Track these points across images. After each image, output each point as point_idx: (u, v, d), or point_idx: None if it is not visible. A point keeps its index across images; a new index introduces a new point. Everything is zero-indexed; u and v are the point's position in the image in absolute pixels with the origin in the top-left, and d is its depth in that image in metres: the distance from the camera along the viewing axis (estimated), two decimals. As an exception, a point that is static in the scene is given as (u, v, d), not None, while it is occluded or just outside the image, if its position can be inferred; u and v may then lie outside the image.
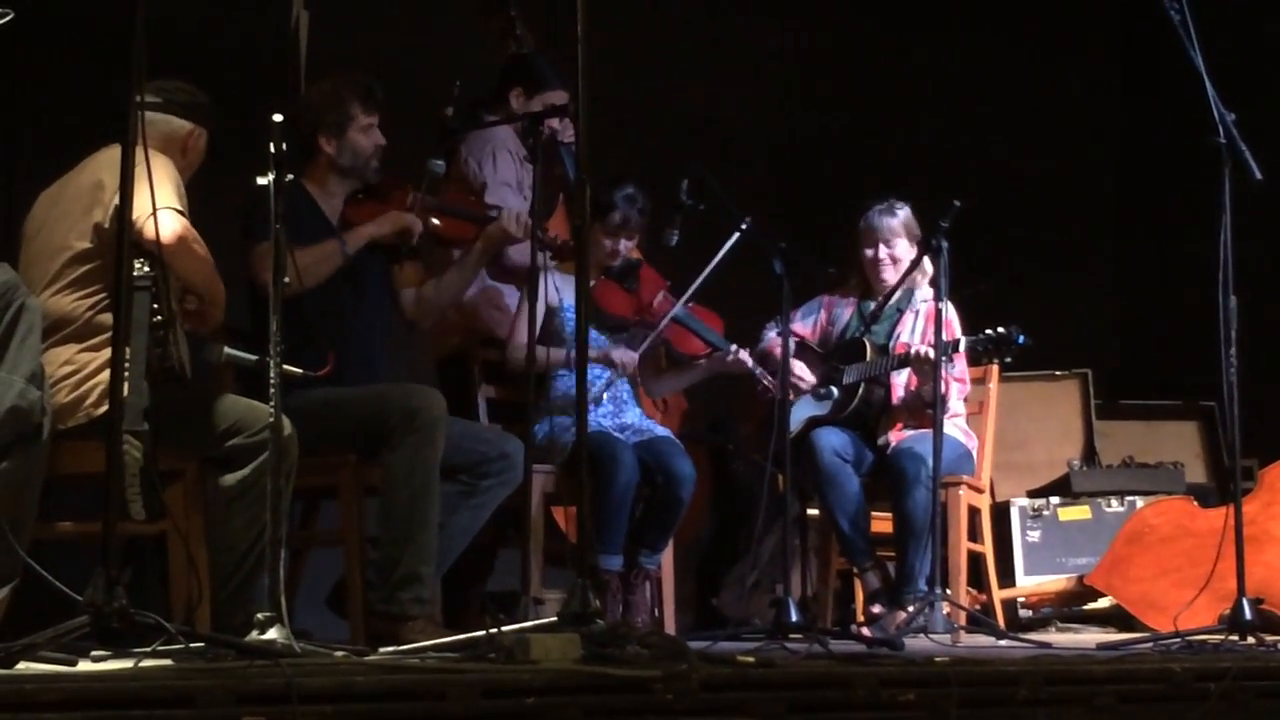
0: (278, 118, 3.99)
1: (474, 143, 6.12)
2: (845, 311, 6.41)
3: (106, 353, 4.27)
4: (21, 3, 4.27)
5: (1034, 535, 7.29)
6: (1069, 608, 7.04)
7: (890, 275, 6.27)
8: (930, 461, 5.70)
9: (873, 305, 6.29)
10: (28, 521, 4.34)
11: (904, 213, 6.28)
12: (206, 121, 4.99)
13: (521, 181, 6.15)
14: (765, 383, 6.11)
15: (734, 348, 6.15)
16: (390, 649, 4.14)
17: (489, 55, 6.46)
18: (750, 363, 6.14)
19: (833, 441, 6.08)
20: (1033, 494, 7.47)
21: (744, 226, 5.83)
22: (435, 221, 5.60)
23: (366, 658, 3.85)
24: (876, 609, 6.01)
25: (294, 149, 5.26)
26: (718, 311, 6.32)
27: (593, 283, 6.03)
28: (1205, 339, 5.18)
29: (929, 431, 5.76)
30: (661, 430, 6.10)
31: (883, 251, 6.28)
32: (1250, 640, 4.85)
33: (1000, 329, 5.94)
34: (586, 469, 4.22)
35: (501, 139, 6.18)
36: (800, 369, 6.25)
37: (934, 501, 5.67)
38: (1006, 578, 7.05)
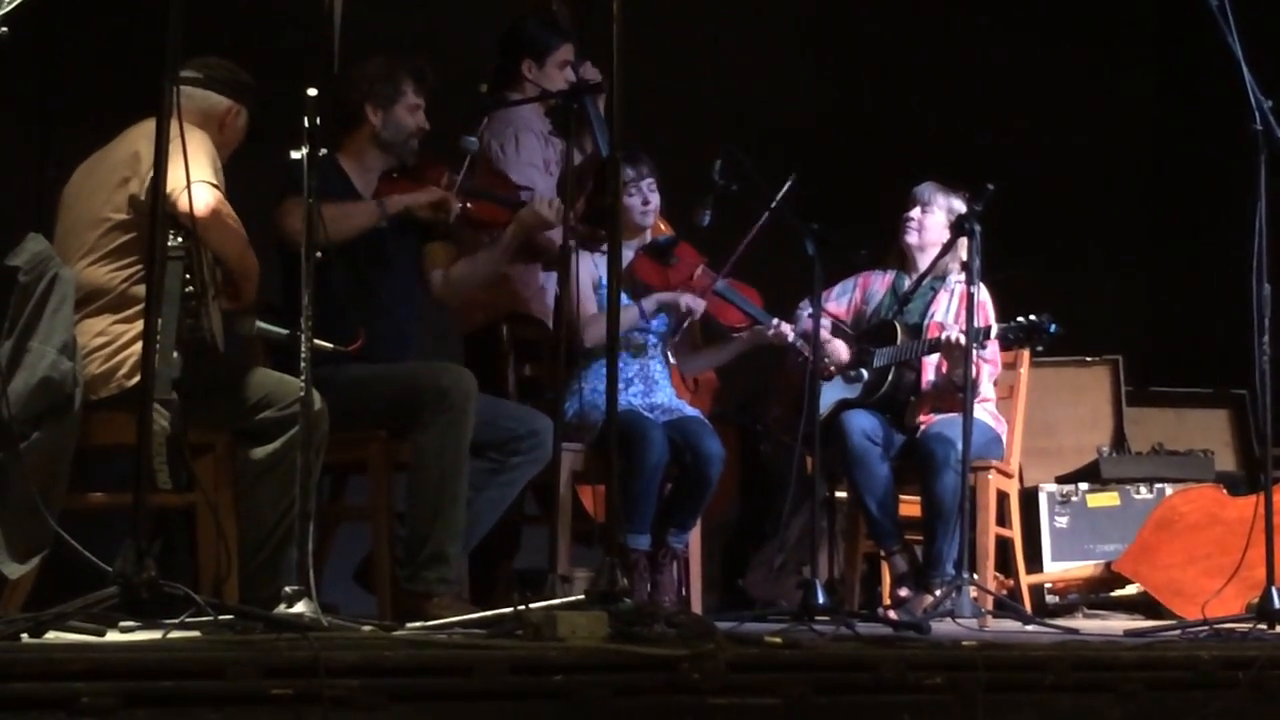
0: (312, 92, 3.99)
1: (495, 126, 6.10)
2: (880, 289, 6.40)
3: (140, 324, 4.28)
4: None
5: (1062, 521, 7.27)
6: (1096, 594, 7.02)
7: (913, 238, 6.30)
8: (959, 445, 5.70)
9: (908, 281, 6.29)
10: (59, 492, 4.36)
11: (957, 198, 6.25)
12: (247, 100, 5.00)
13: (549, 160, 6.15)
14: (805, 355, 6.07)
15: (775, 321, 6.14)
16: (418, 624, 4.14)
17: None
18: (791, 335, 6.13)
19: (862, 424, 6.07)
20: (1061, 480, 7.46)
21: (790, 184, 5.82)
22: (468, 204, 5.60)
23: (394, 633, 3.86)
24: (904, 592, 6.01)
25: (336, 118, 5.31)
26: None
27: (632, 257, 6.04)
28: (1237, 326, 5.16)
29: (959, 415, 5.75)
30: (691, 410, 6.10)
31: (915, 212, 6.29)
32: (1279, 629, 4.83)
33: (1032, 317, 5.93)
34: (616, 448, 4.22)
35: (525, 119, 6.16)
36: (836, 345, 6.24)
37: (963, 486, 5.67)
38: (1034, 563, 7.04)
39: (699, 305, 6.05)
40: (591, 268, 5.90)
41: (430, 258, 5.62)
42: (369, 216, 5.32)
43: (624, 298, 5.96)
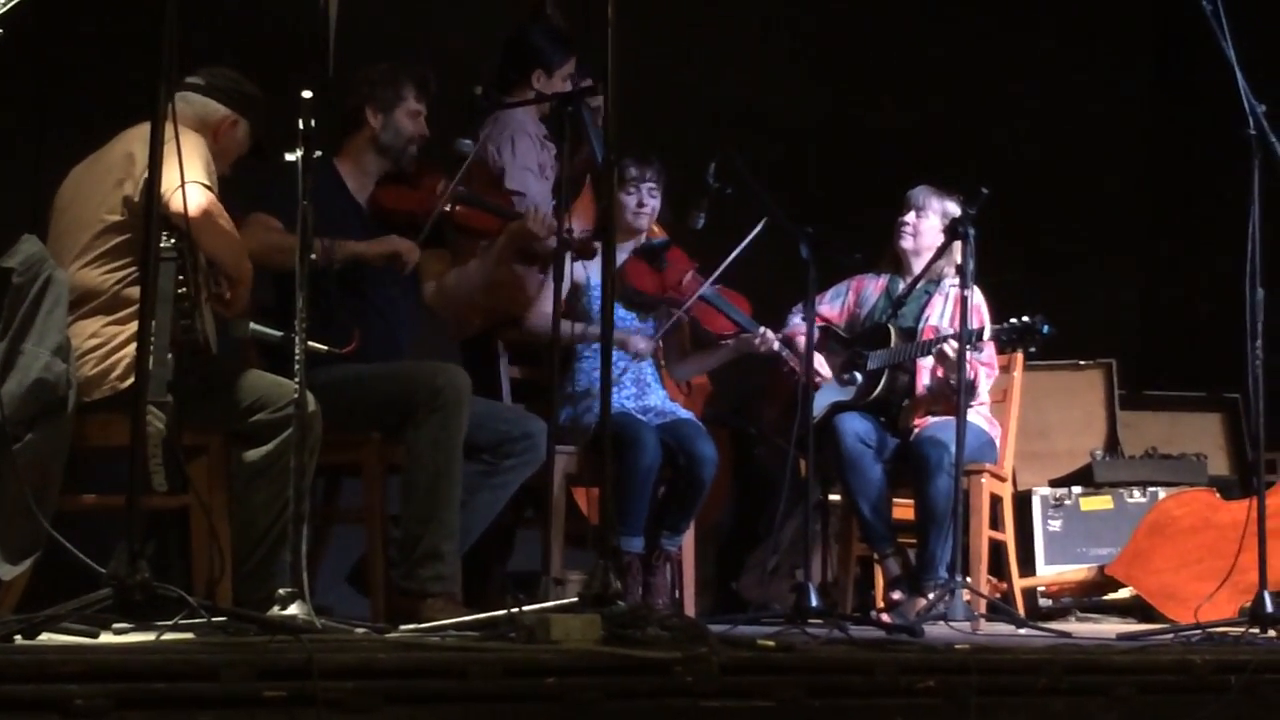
0: (307, 94, 3.99)
1: (492, 129, 6.11)
2: (873, 293, 6.41)
3: (133, 326, 4.29)
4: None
5: (1055, 524, 7.28)
6: (1089, 597, 7.03)
7: (908, 243, 6.32)
8: (953, 449, 5.70)
9: (901, 285, 6.30)
10: (52, 493, 4.36)
11: (951, 201, 6.27)
12: (249, 113, 4.99)
13: (544, 164, 6.15)
14: (792, 364, 6.10)
15: (762, 330, 6.15)
16: (411, 626, 4.14)
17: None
18: (777, 345, 6.14)
19: (856, 427, 6.08)
20: (1055, 483, 7.47)
21: (763, 222, 5.87)
22: (460, 210, 5.59)
23: (387, 635, 3.85)
24: (897, 595, 6.02)
25: (336, 122, 5.30)
26: (744, 295, 6.31)
27: (621, 260, 6.04)
28: (1231, 331, 5.16)
29: (952, 418, 5.76)
30: (684, 412, 6.10)
31: (910, 216, 6.31)
32: (1271, 633, 4.83)
33: (1025, 318, 5.93)
34: (609, 450, 4.22)
35: (520, 122, 6.17)
36: (818, 362, 6.23)
37: (956, 489, 5.68)
38: (1027, 566, 7.05)
39: (648, 347, 6.04)
40: (581, 269, 5.90)
41: (423, 267, 5.62)
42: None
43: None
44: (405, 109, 5.47)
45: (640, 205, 6.11)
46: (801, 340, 5.89)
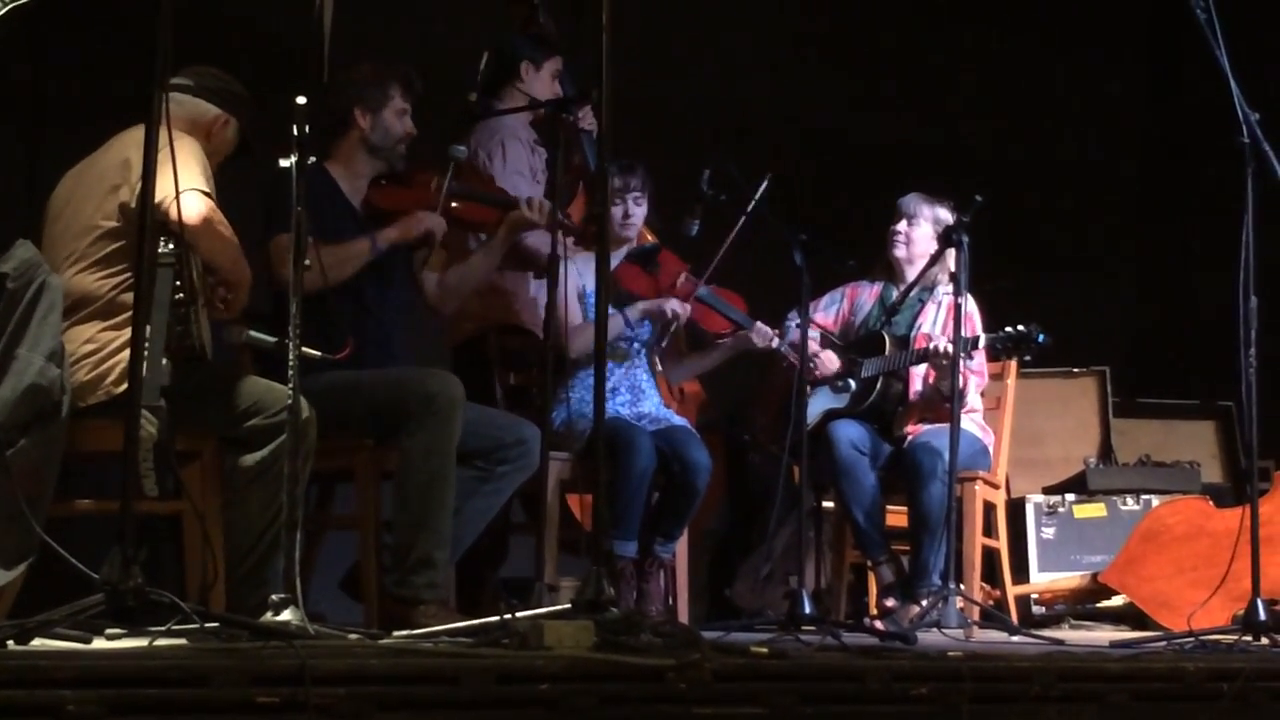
0: (301, 100, 3.99)
1: (482, 134, 6.12)
2: (868, 300, 6.41)
3: (128, 332, 4.28)
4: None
5: (1049, 532, 7.28)
6: (1082, 605, 7.04)
7: (900, 251, 6.32)
8: (946, 456, 5.71)
9: (895, 292, 6.30)
10: (46, 499, 4.35)
11: (942, 208, 6.28)
12: (237, 111, 5.00)
13: (534, 168, 6.16)
14: (791, 359, 6.08)
15: (758, 325, 6.16)
16: (404, 633, 4.14)
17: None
18: (775, 341, 6.14)
19: (850, 434, 6.08)
20: (1048, 491, 7.47)
21: (766, 184, 5.86)
22: (456, 206, 5.60)
23: (380, 641, 3.86)
24: (890, 602, 6.01)
25: (325, 125, 5.31)
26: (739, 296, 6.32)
27: (613, 266, 6.04)
28: (1224, 339, 5.17)
29: (946, 426, 5.76)
30: (679, 419, 6.10)
31: (901, 225, 6.32)
32: (1264, 641, 4.84)
33: (1021, 327, 5.94)
34: (603, 456, 4.22)
35: (511, 128, 6.18)
36: (826, 356, 6.25)
37: (949, 496, 5.68)
38: (1020, 574, 7.05)
39: (684, 310, 6.06)
40: (576, 277, 5.90)
41: (423, 264, 5.63)
42: (363, 256, 5.32)
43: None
44: (393, 108, 5.47)
45: (627, 216, 6.11)
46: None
